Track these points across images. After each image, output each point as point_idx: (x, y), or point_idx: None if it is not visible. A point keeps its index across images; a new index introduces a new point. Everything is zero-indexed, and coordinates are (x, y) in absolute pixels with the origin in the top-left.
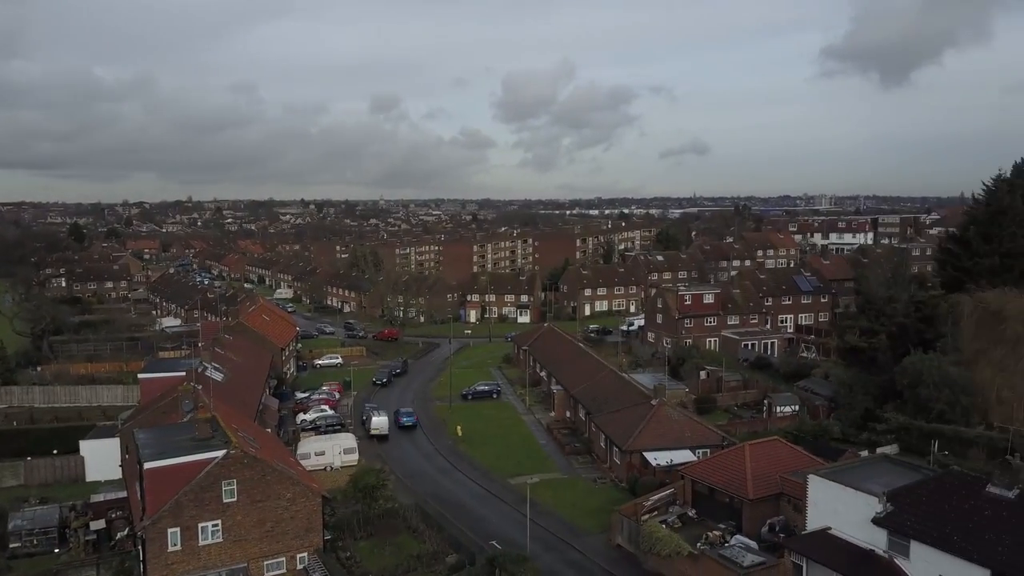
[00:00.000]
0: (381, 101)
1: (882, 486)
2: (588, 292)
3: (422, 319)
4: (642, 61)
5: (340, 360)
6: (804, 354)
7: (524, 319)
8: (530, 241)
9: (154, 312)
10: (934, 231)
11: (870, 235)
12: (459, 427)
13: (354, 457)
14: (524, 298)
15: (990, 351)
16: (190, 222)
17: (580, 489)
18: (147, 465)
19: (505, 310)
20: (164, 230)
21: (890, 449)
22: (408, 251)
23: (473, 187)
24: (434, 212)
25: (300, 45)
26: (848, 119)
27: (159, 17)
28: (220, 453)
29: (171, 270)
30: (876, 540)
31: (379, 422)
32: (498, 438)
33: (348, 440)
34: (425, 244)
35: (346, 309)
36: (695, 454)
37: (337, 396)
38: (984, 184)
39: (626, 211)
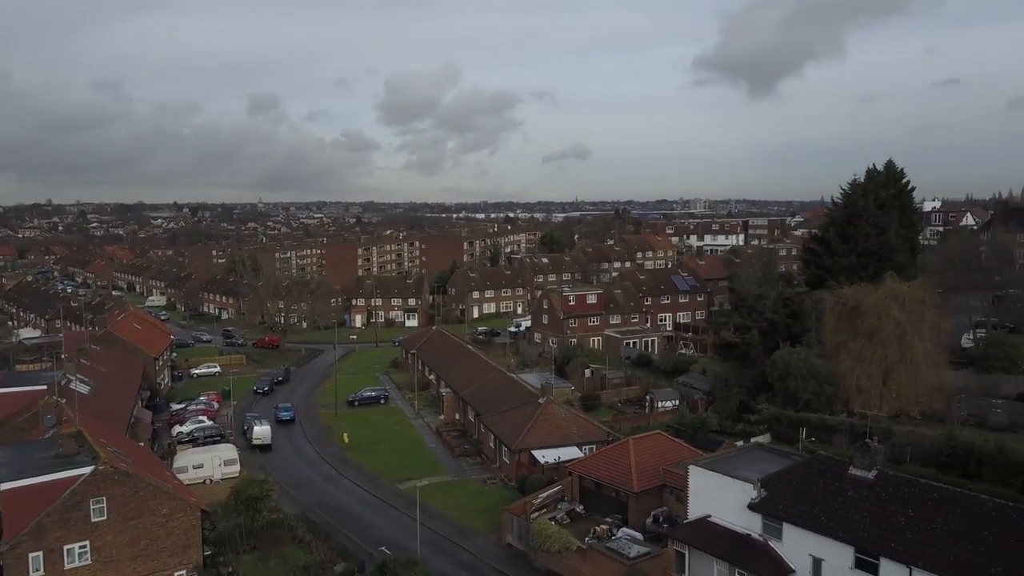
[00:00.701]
0: (259, 101)
1: (756, 473)
2: (476, 294)
3: (305, 325)
4: (525, 66)
5: (218, 369)
6: (683, 351)
7: (412, 323)
8: (417, 244)
9: (10, 323)
10: (798, 232)
11: (741, 237)
12: (345, 434)
13: (235, 468)
14: (412, 301)
15: (849, 343)
16: (50, 226)
17: (470, 490)
18: (3, 487)
19: (392, 314)
20: (20, 235)
21: (763, 438)
22: (289, 255)
23: (357, 190)
24: (316, 215)
25: (170, 41)
26: (720, 126)
27: (8, 4)
28: (87, 470)
29: (29, 278)
30: (752, 525)
31: (261, 431)
32: (386, 443)
33: (228, 451)
34: (307, 248)
35: (224, 316)
36: (582, 450)
37: (216, 406)
38: (841, 188)
39: (512, 214)
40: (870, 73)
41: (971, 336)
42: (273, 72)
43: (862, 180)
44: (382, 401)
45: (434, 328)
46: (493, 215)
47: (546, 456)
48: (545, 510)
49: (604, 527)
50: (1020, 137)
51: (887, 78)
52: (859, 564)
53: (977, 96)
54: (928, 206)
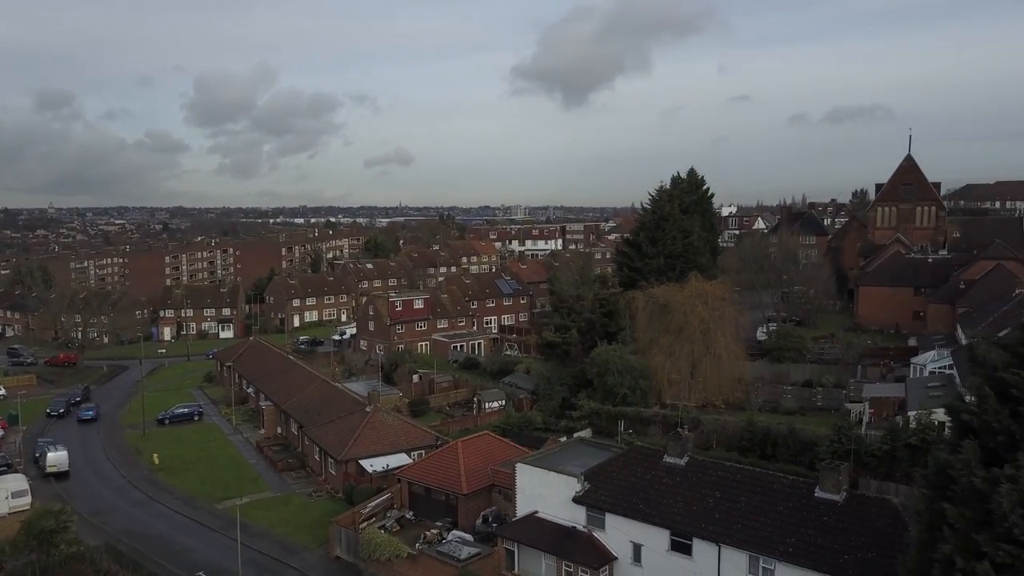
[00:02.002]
0: (49, 97)
1: (580, 467)
2: (297, 302)
3: (106, 340)
4: (345, 69)
5: (3, 392)
6: (508, 352)
7: (227, 334)
8: (231, 251)
9: None
10: (612, 237)
11: (560, 241)
12: (155, 455)
13: (26, 500)
14: (226, 311)
15: (660, 339)
16: None
17: (295, 505)
18: None
19: (205, 325)
20: None
21: (585, 433)
22: (86, 264)
23: (163, 194)
24: (117, 221)
25: None
26: (538, 135)
27: None
28: None
29: None
30: (577, 517)
31: (56, 458)
32: (202, 462)
33: (17, 482)
34: (107, 256)
35: (9, 333)
36: (411, 456)
37: (1, 433)
38: (650, 195)
39: (334, 219)
40: (673, 88)
41: (764, 330)
42: (65, 65)
43: (668, 187)
44: (196, 418)
45: (252, 339)
46: (314, 220)
47: (374, 465)
48: (374, 519)
49: (434, 531)
50: (800, 149)
51: (688, 93)
52: (675, 546)
53: (765, 112)
54: (726, 211)
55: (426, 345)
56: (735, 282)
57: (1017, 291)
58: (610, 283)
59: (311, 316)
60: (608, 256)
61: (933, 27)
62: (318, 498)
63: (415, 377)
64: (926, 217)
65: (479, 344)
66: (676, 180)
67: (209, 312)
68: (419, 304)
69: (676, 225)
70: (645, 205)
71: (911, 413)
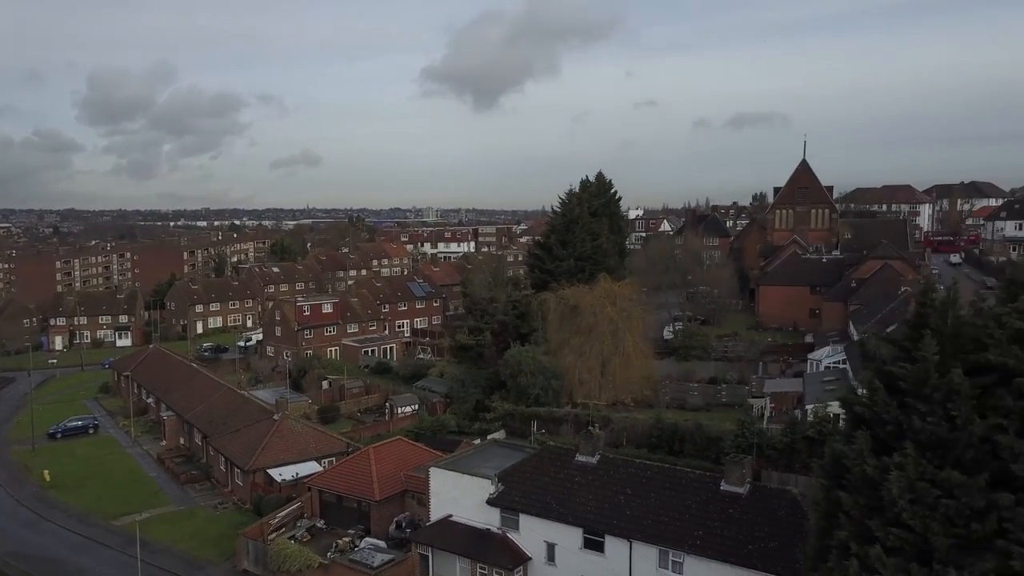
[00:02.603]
0: None
1: (493, 469)
2: (200, 308)
3: None
4: (250, 69)
5: None
6: (421, 355)
7: (125, 342)
8: (128, 255)
9: None
10: (524, 239)
11: (472, 244)
12: (46, 471)
13: None
14: (124, 319)
15: (571, 340)
16: None
17: (200, 518)
18: None
19: (101, 333)
20: None
21: (499, 435)
22: None
23: (54, 196)
24: (2, 224)
25: None
26: (449, 137)
27: None
28: None
29: None
30: (491, 519)
31: None
32: (98, 477)
33: None
34: None
35: None
36: (321, 464)
37: None
38: (560, 198)
39: (237, 222)
40: (582, 92)
41: (671, 329)
42: None
43: (577, 191)
44: (91, 431)
45: (151, 347)
46: (217, 223)
47: (283, 474)
48: (284, 529)
49: (347, 539)
50: (703, 154)
51: (596, 97)
52: (588, 544)
53: (670, 117)
54: (633, 214)
55: (336, 350)
56: (642, 283)
57: (903, 289)
58: (522, 285)
59: (215, 322)
60: (520, 258)
61: (826, 40)
62: (224, 510)
63: (325, 383)
64: (820, 219)
65: (391, 348)
66: (585, 183)
67: (105, 320)
68: (328, 308)
69: (585, 228)
70: (555, 208)
71: (808, 407)
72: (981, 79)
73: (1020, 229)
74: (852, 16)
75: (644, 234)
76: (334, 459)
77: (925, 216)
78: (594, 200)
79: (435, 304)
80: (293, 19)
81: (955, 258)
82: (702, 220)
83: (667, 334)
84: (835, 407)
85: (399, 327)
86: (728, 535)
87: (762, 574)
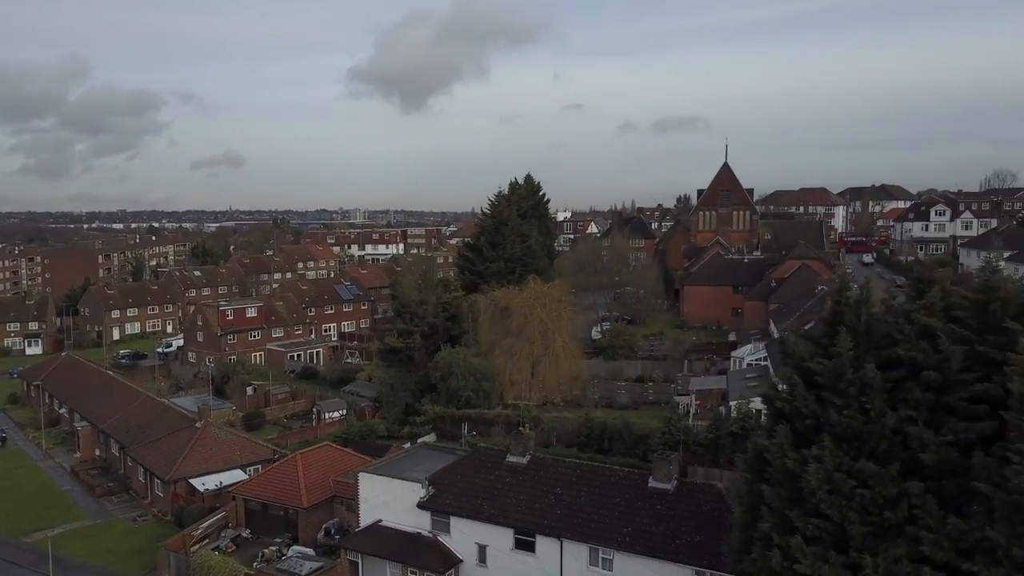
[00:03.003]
0: None
1: (424, 472)
2: (116, 314)
3: None
4: (169, 66)
5: None
6: (349, 360)
7: (36, 350)
8: (38, 259)
9: None
10: (453, 241)
11: (401, 246)
12: None
13: None
14: (34, 326)
15: (502, 341)
16: None
17: (117, 532)
18: None
19: (8, 342)
20: None
21: (429, 438)
22: None
23: None
24: None
25: None
26: (376, 138)
27: None
28: None
29: None
30: (422, 523)
31: None
32: (6, 492)
33: None
34: None
35: None
36: (246, 472)
37: None
38: (489, 200)
39: (157, 224)
40: (510, 95)
41: (599, 329)
42: None
43: (506, 193)
44: None
45: (64, 354)
46: (135, 225)
47: (206, 483)
48: (207, 541)
49: (273, 548)
50: (628, 157)
51: (525, 100)
52: (519, 544)
53: (597, 120)
54: (561, 216)
55: (261, 355)
56: (571, 284)
57: (819, 288)
58: (452, 287)
59: (133, 328)
60: (450, 260)
61: (747, 47)
62: (143, 522)
63: (249, 389)
64: (742, 221)
65: (318, 352)
66: (514, 186)
67: (13, 327)
68: (252, 312)
69: (515, 230)
70: (485, 210)
71: (732, 403)
72: (889, 87)
73: (926, 230)
74: (772, 23)
75: (572, 236)
76: (260, 467)
77: (839, 217)
78: (523, 202)
79: (363, 307)
80: (214, 17)
81: (867, 258)
82: (628, 222)
83: (595, 334)
84: (757, 403)
85: (326, 331)
86: (656, 531)
87: (689, 567)
